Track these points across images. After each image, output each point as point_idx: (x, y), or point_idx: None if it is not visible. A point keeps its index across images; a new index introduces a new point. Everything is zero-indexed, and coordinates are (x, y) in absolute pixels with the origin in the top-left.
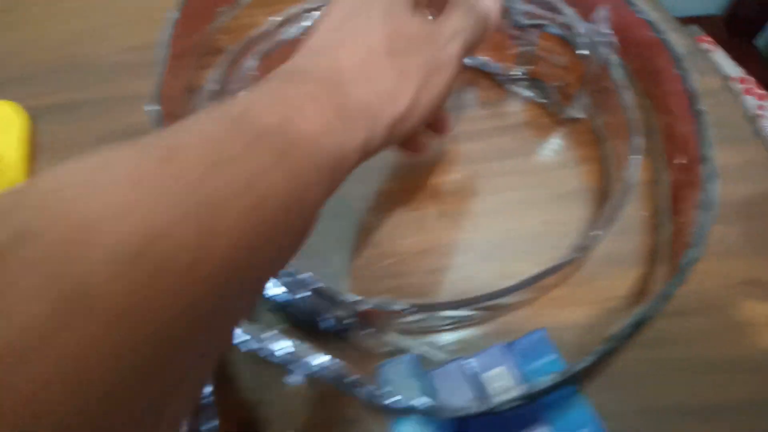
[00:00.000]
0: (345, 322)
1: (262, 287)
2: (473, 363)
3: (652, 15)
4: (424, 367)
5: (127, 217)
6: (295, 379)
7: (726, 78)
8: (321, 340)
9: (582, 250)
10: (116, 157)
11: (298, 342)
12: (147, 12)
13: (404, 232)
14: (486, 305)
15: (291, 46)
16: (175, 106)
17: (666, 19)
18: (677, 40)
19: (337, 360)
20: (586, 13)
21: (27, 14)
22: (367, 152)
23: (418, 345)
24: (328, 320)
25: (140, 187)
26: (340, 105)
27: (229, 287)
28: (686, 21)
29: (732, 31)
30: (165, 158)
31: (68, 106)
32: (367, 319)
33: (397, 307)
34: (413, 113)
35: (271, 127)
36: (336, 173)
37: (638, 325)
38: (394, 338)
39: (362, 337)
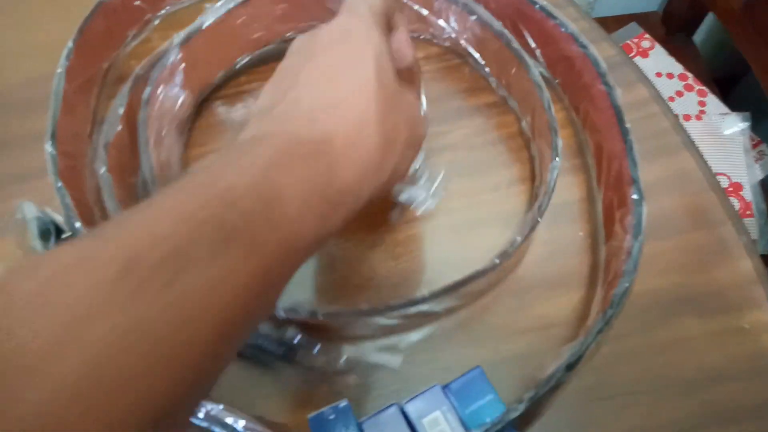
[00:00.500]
0: (288, 341)
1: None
2: (409, 408)
3: (577, 26)
4: (359, 415)
5: (69, 356)
6: None
7: (655, 88)
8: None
9: (503, 257)
10: (73, 269)
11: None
12: (21, 47)
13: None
14: (410, 312)
15: None
16: (78, 143)
17: (593, 28)
18: (605, 49)
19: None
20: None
21: None
22: (343, 226)
23: (375, 353)
24: (271, 344)
25: (93, 312)
26: (326, 187)
27: (175, 404)
28: (625, 18)
29: (669, 28)
30: (123, 273)
31: None
32: (309, 332)
33: (321, 312)
34: (390, 183)
35: (246, 217)
36: (310, 251)
37: (571, 366)
38: (347, 350)
39: (312, 357)
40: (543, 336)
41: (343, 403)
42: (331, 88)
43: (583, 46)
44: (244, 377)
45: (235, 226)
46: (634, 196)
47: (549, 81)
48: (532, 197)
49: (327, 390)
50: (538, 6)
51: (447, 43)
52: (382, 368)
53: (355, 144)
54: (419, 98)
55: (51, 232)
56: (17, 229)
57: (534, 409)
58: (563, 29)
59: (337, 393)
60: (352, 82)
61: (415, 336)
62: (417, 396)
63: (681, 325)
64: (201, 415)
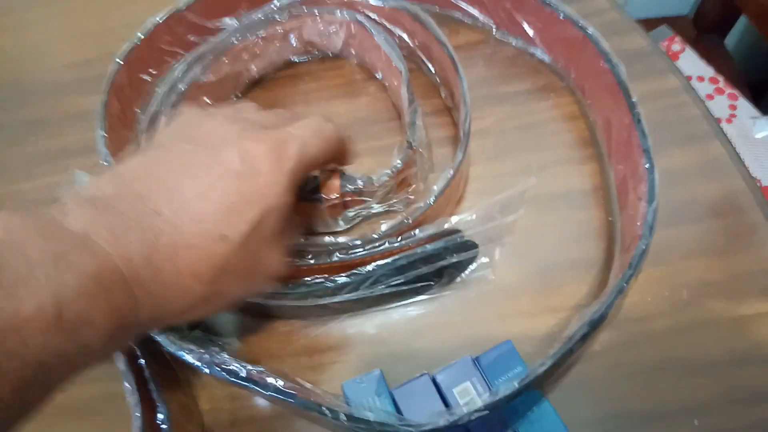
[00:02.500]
0: None
1: None
2: (440, 378)
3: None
4: (389, 384)
5: None
6: (260, 401)
7: (685, 78)
8: None
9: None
10: None
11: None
12: (72, 30)
13: None
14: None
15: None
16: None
17: (623, 19)
18: (635, 39)
19: (300, 381)
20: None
21: None
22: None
23: None
24: None
25: None
26: (123, 320)
27: None
28: (655, 22)
29: (701, 30)
30: None
31: (5, 126)
32: None
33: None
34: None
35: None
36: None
37: (594, 324)
38: None
39: None
40: (569, 314)
41: (375, 372)
42: (189, 217)
43: (583, 28)
44: (279, 341)
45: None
46: (646, 165)
47: (553, 68)
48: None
49: (359, 359)
50: None
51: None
52: (418, 337)
53: (178, 286)
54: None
55: None
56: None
57: (558, 369)
58: (560, 15)
59: (369, 362)
60: (218, 225)
61: None
62: (448, 366)
63: (707, 307)
64: (243, 374)
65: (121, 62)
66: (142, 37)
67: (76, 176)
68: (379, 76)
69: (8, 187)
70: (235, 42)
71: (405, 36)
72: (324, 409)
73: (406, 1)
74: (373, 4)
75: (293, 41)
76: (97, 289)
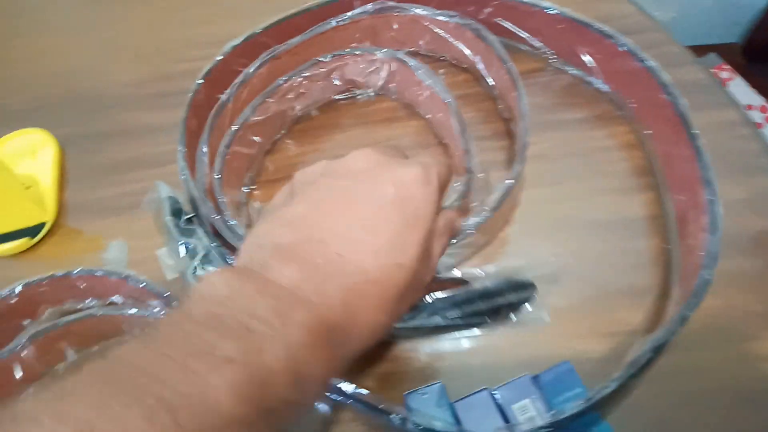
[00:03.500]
0: None
1: None
2: (499, 394)
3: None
4: (450, 397)
5: None
6: (323, 407)
7: (743, 110)
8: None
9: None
10: None
11: None
12: (143, 48)
13: None
14: None
15: None
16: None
17: (681, 52)
18: (693, 72)
19: (365, 389)
20: (573, 59)
21: (31, 50)
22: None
23: None
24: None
25: None
26: (335, 357)
27: None
28: (704, 49)
29: (751, 58)
30: None
31: (88, 136)
32: None
33: None
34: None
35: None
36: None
37: (657, 350)
38: None
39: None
40: (626, 339)
41: (437, 384)
42: (367, 253)
43: (642, 60)
44: None
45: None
46: (709, 197)
47: (611, 97)
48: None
49: (420, 372)
50: (594, 28)
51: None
52: (475, 354)
53: (369, 322)
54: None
55: (181, 212)
56: (154, 205)
57: (620, 393)
58: (620, 47)
59: (427, 376)
60: (391, 255)
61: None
62: (507, 383)
63: (761, 339)
64: None
65: (201, 81)
66: (221, 58)
67: (158, 188)
68: (421, 112)
69: (87, 195)
70: (281, 83)
71: (466, 50)
72: (394, 416)
73: (471, 18)
74: (440, 19)
75: (336, 80)
76: (314, 340)
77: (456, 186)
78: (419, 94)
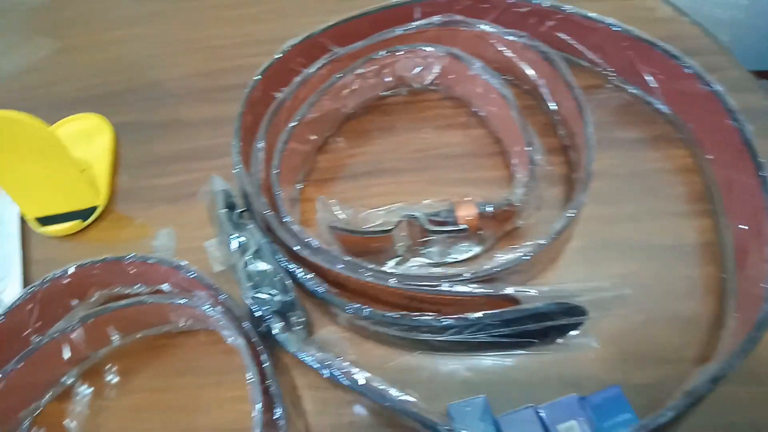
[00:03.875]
0: None
1: None
2: (544, 413)
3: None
4: (495, 411)
5: None
6: (360, 410)
7: None
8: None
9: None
10: None
11: (370, 375)
12: (202, 42)
13: None
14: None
15: None
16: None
17: (746, 78)
18: (759, 99)
19: (409, 396)
20: (634, 78)
21: (97, 39)
22: None
23: None
24: None
25: None
26: None
27: None
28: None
29: None
30: None
31: (144, 125)
32: None
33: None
34: None
35: None
36: None
37: (716, 381)
38: None
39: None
40: (677, 367)
41: (481, 397)
42: None
43: (709, 84)
44: (373, 362)
45: None
46: None
47: (670, 119)
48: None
49: (462, 385)
50: (659, 48)
51: (527, 87)
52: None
53: None
54: None
55: (234, 205)
56: (208, 197)
57: (676, 421)
58: (686, 69)
59: (472, 390)
60: None
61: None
62: (553, 402)
63: None
64: (362, 382)
65: (259, 78)
66: (279, 56)
67: (213, 180)
68: (473, 107)
69: (144, 182)
70: (336, 80)
71: (530, 71)
72: (441, 426)
73: (537, 40)
74: (508, 38)
75: (387, 77)
76: None
77: (520, 178)
78: (473, 89)
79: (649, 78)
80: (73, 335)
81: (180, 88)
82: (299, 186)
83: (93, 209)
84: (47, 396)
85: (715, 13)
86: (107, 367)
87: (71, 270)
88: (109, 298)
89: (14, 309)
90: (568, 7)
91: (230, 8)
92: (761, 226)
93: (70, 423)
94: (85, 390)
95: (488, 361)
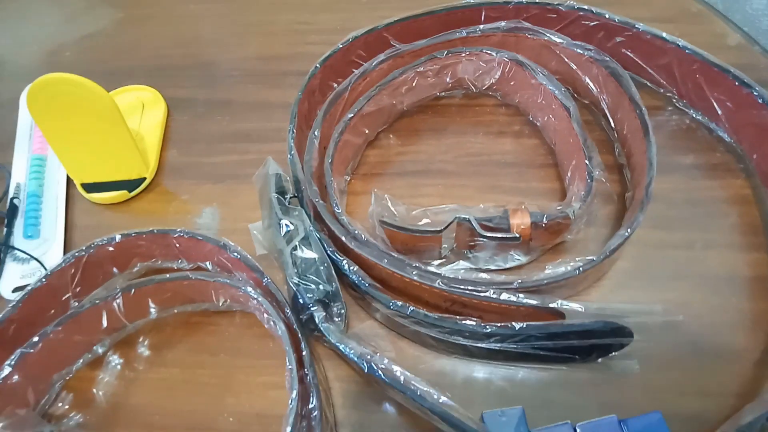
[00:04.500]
0: None
1: None
2: (583, 429)
3: None
4: (530, 425)
5: None
6: (388, 408)
7: None
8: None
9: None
10: None
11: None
12: (266, 26)
13: None
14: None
15: None
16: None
17: None
18: None
19: (446, 396)
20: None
21: (160, 13)
22: None
23: None
24: None
25: None
26: None
27: None
28: None
29: None
30: None
31: (198, 102)
32: None
33: None
34: None
35: None
36: None
37: None
38: None
39: None
40: (722, 401)
41: (518, 408)
42: None
43: None
44: (409, 362)
45: None
46: None
47: (732, 147)
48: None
49: (497, 394)
50: (732, 75)
51: (586, 101)
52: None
53: None
54: None
55: (286, 190)
56: (261, 179)
57: None
58: (759, 99)
59: (507, 400)
60: None
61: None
62: (592, 421)
63: None
64: (402, 380)
65: (319, 66)
66: (341, 47)
67: (268, 163)
68: (530, 116)
69: (192, 158)
70: (396, 76)
71: (592, 85)
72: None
73: (605, 54)
74: (575, 50)
75: (447, 77)
76: None
77: (576, 191)
78: (533, 98)
79: (715, 104)
80: (114, 304)
81: (239, 69)
82: (347, 178)
83: (140, 181)
84: (79, 362)
85: None
86: (141, 339)
87: (118, 238)
88: (149, 271)
89: (57, 272)
90: (640, 25)
91: None
92: None
93: (98, 391)
94: (116, 360)
95: (524, 372)
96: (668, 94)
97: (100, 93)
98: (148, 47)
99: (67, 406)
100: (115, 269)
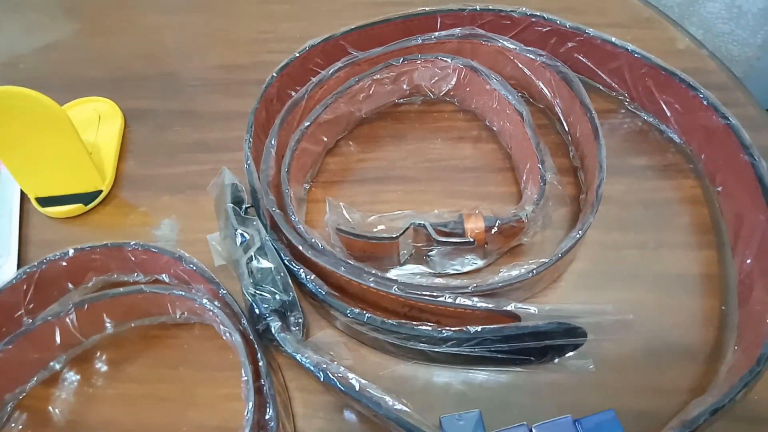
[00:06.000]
0: None
1: None
2: (539, 430)
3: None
4: (487, 427)
5: None
6: (350, 416)
7: None
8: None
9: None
10: None
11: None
12: (228, 35)
13: None
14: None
15: None
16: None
17: (761, 115)
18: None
19: (404, 405)
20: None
21: (120, 24)
22: None
23: None
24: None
25: None
26: None
27: None
28: None
29: None
30: None
31: (156, 113)
32: None
33: None
34: None
35: None
36: None
37: (714, 413)
38: None
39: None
40: (674, 398)
41: (475, 412)
42: None
43: (725, 118)
44: (369, 369)
45: None
46: None
47: (682, 149)
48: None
49: (455, 399)
50: (679, 78)
51: (541, 105)
52: (514, 389)
53: None
54: None
55: (242, 200)
56: (216, 189)
57: None
58: (705, 101)
59: (465, 404)
60: None
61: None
62: (547, 422)
63: None
64: (357, 387)
65: (276, 75)
66: (298, 55)
67: (223, 173)
68: (487, 121)
69: (151, 170)
70: (353, 84)
71: (546, 90)
72: None
73: (556, 59)
74: (528, 56)
75: (404, 84)
76: None
77: (530, 195)
78: (488, 103)
79: (665, 107)
80: (67, 320)
81: (199, 79)
82: (306, 186)
83: (96, 194)
84: (33, 380)
85: (730, 49)
86: (97, 354)
87: (71, 253)
88: (105, 285)
89: (9, 288)
90: (590, 30)
91: (264, 3)
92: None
93: (55, 409)
94: (73, 376)
95: (483, 376)
96: (620, 98)
97: (51, 106)
98: (108, 59)
99: (20, 427)
100: (70, 284)
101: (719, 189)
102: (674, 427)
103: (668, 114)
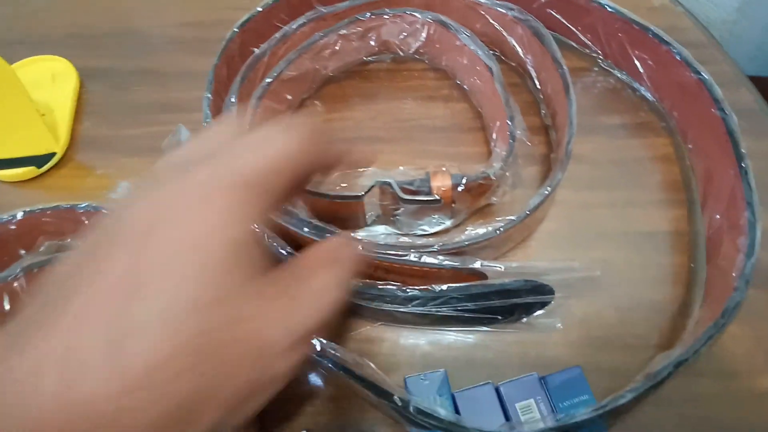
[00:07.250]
0: None
1: None
2: (504, 389)
3: (718, 68)
4: (452, 387)
5: None
6: (315, 380)
7: None
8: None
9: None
10: None
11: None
12: None
13: None
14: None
15: None
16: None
17: (735, 73)
18: (744, 95)
19: (367, 362)
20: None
21: None
22: None
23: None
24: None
25: None
26: None
27: None
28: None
29: None
30: None
31: (114, 72)
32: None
33: None
34: None
35: None
36: None
37: (678, 366)
38: None
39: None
40: (641, 353)
41: (440, 371)
42: (114, 324)
43: (698, 72)
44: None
45: None
46: (749, 218)
47: (655, 107)
48: None
49: (421, 359)
50: (651, 32)
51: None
52: (483, 348)
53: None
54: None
55: None
56: (170, 149)
57: (634, 405)
58: (677, 55)
59: (432, 364)
60: (153, 312)
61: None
62: (513, 380)
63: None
64: (318, 348)
65: (237, 30)
66: (260, 10)
67: (179, 131)
68: (458, 79)
69: (109, 131)
70: (318, 39)
71: (518, 47)
72: (396, 398)
73: (528, 14)
74: (498, 10)
75: (371, 41)
76: None
77: (498, 152)
78: (459, 60)
79: (637, 63)
80: (15, 284)
81: (158, 37)
82: None
83: (50, 156)
84: None
85: (707, 10)
86: None
87: (19, 216)
88: (58, 249)
89: None
90: None
91: None
92: (737, 217)
93: None
94: None
95: (450, 336)
96: (594, 55)
97: None
98: (61, 15)
99: None
100: (22, 250)
101: (690, 146)
102: (638, 380)
103: (641, 70)
